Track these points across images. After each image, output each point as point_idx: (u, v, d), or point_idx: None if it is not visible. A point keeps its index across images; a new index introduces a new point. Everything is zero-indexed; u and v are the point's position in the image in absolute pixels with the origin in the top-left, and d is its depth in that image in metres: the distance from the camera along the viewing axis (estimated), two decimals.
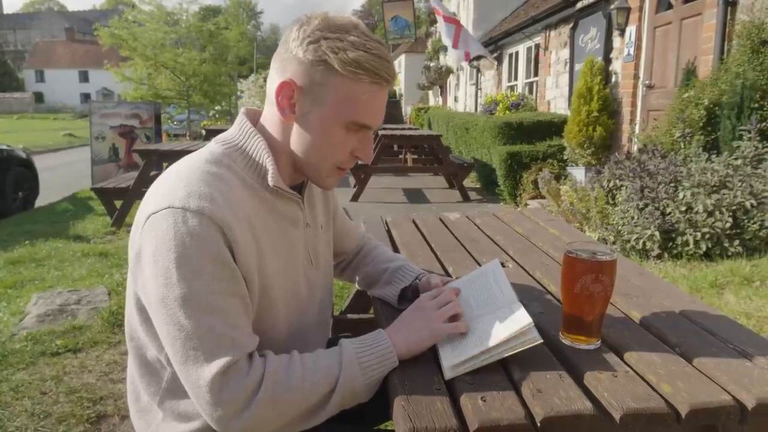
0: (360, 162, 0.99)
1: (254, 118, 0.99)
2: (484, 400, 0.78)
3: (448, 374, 0.86)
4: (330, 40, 0.86)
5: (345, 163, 0.97)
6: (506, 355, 0.87)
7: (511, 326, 0.88)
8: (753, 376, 0.83)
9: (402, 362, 0.90)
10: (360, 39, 0.87)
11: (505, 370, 0.87)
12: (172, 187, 0.86)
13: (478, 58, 12.34)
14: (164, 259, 0.81)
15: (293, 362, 0.86)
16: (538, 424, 0.75)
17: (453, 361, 0.87)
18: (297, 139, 0.94)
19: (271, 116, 0.96)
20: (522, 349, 0.87)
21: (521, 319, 0.89)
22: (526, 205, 6.14)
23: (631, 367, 0.88)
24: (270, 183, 0.93)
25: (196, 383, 0.81)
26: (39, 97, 47.41)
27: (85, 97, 45.50)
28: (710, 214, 3.48)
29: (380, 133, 8.02)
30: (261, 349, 0.88)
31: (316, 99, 0.89)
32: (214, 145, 0.96)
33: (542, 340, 0.88)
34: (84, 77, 50.48)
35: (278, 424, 0.84)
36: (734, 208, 3.46)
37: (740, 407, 0.78)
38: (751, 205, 3.42)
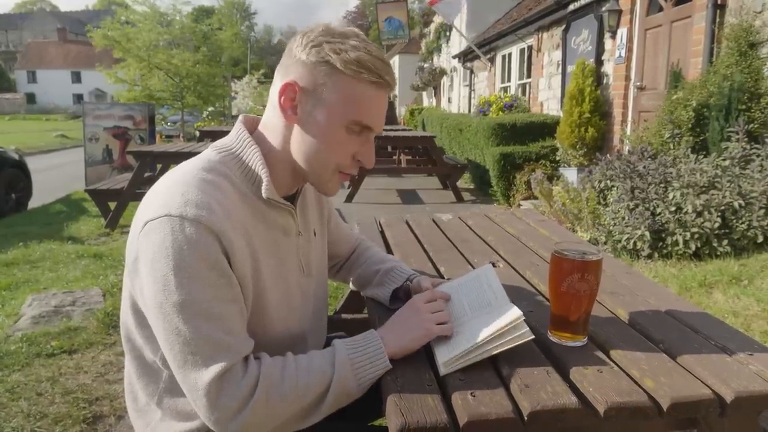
0: (362, 167, 0.99)
1: (252, 125, 1.01)
2: (474, 396, 0.81)
3: (443, 370, 0.89)
4: (332, 43, 0.90)
5: (347, 167, 0.97)
6: (500, 350, 0.90)
7: (502, 321, 0.91)
8: (732, 371, 0.87)
9: (394, 361, 0.92)
10: (361, 43, 0.91)
11: (494, 367, 0.90)
12: (169, 194, 0.87)
13: (472, 59, 12.41)
14: (162, 266, 0.82)
15: (287, 364, 0.88)
16: (525, 418, 0.78)
17: (447, 356, 0.90)
18: (298, 143, 0.95)
19: (271, 121, 0.97)
20: (514, 344, 0.90)
21: (512, 313, 0.92)
22: (519, 205, 6.18)
23: (615, 363, 0.91)
24: (264, 195, 0.95)
25: (194, 387, 0.83)
26: (31, 98, 47.09)
27: (78, 98, 45.19)
28: (699, 214, 3.53)
29: None
30: (256, 352, 0.90)
31: (318, 99, 0.91)
32: (210, 152, 0.97)
33: (533, 336, 0.91)
34: (76, 78, 50.08)
35: (274, 425, 0.86)
36: (723, 208, 3.51)
37: (720, 401, 0.81)
38: (740, 206, 3.47)
